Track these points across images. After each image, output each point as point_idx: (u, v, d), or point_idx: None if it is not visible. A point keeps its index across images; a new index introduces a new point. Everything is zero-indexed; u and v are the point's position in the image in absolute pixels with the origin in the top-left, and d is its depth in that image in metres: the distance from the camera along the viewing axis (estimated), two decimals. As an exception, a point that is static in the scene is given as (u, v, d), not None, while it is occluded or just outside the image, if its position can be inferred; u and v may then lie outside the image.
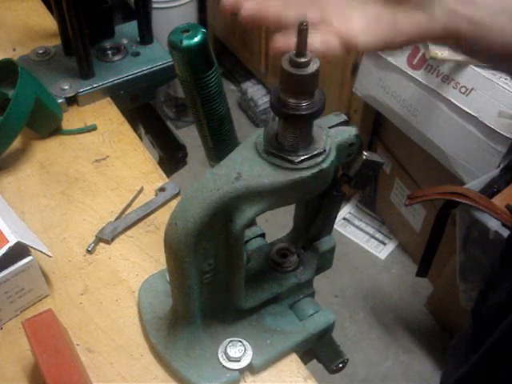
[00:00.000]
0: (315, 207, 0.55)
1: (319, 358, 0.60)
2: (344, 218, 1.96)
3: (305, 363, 0.59)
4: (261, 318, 0.58)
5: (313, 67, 0.41)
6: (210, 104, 0.53)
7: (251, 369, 0.56)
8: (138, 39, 0.89)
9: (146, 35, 0.88)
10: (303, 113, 0.43)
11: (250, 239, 0.63)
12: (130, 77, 0.85)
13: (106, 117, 0.82)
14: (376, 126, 1.75)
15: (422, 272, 1.29)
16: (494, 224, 1.03)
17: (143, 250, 0.67)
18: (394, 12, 0.50)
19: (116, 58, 0.87)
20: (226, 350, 0.55)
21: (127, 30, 0.91)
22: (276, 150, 0.46)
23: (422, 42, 0.53)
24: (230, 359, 0.55)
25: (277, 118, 0.45)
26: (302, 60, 0.41)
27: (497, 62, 0.55)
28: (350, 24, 0.49)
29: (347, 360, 0.59)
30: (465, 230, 1.09)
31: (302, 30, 0.40)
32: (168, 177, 0.77)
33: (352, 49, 0.49)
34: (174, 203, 0.72)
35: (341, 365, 0.59)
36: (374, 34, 0.50)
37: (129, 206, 0.71)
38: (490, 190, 1.12)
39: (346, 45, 0.48)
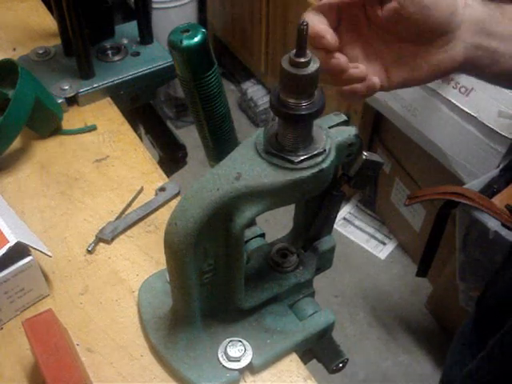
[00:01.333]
0: (315, 207, 0.55)
1: (319, 357, 0.60)
2: (344, 218, 1.96)
3: (305, 363, 0.59)
4: (261, 317, 0.58)
5: (312, 67, 0.41)
6: (209, 104, 0.53)
7: (251, 369, 0.56)
8: (138, 39, 0.89)
9: (146, 35, 0.88)
10: (303, 113, 0.43)
11: (250, 239, 0.63)
12: (129, 77, 0.85)
13: (106, 117, 0.82)
14: (376, 126, 1.75)
15: (421, 272, 1.29)
16: (493, 224, 1.03)
17: (143, 250, 0.67)
18: (415, 53, 0.53)
19: (116, 58, 0.87)
20: (225, 350, 0.55)
21: (127, 30, 0.91)
22: (276, 150, 0.46)
23: (440, 78, 0.56)
24: (229, 359, 0.55)
25: (277, 118, 0.45)
26: (302, 60, 0.41)
27: (501, 81, 0.58)
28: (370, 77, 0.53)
29: (347, 360, 0.59)
30: (465, 230, 1.09)
31: (302, 30, 0.40)
32: (168, 177, 0.77)
33: (375, 92, 0.53)
34: (174, 203, 0.72)
35: (341, 365, 0.59)
36: (395, 77, 0.54)
37: (129, 206, 0.71)
38: (490, 190, 1.12)
39: (369, 90, 0.52)
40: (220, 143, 0.57)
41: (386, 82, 0.54)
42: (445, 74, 0.54)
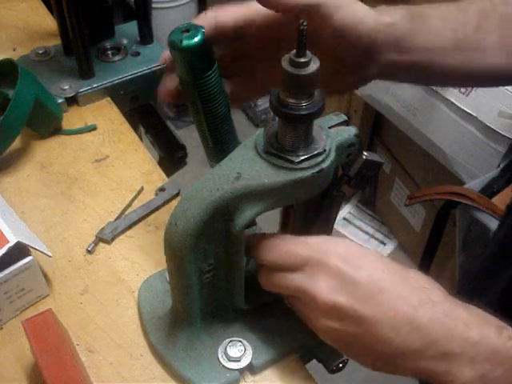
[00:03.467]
0: (315, 207, 0.55)
1: (319, 357, 0.60)
2: (344, 218, 1.96)
3: (304, 363, 0.59)
4: (261, 317, 0.58)
5: (313, 67, 0.41)
6: (209, 104, 0.53)
7: (251, 369, 0.56)
8: (138, 39, 0.89)
9: (146, 35, 0.88)
10: (303, 113, 0.43)
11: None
12: (129, 77, 0.85)
13: (106, 117, 0.82)
14: (376, 126, 1.75)
15: (422, 272, 1.29)
16: (493, 224, 1.03)
17: (143, 250, 0.67)
18: (329, 71, 0.50)
19: (116, 58, 0.87)
20: (225, 350, 0.55)
21: (127, 29, 0.91)
22: (276, 150, 0.46)
23: (348, 91, 0.57)
24: (230, 359, 0.55)
25: (277, 118, 0.45)
26: (302, 60, 0.41)
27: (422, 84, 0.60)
28: None
29: (347, 360, 0.58)
30: (465, 230, 1.09)
31: (302, 30, 0.40)
32: (168, 177, 0.77)
33: None
34: (174, 203, 0.72)
35: (341, 364, 0.59)
36: None
37: (129, 206, 0.71)
38: (490, 190, 1.12)
39: None
40: (220, 143, 0.57)
41: None
42: (354, 88, 0.56)
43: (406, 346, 0.43)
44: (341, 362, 0.59)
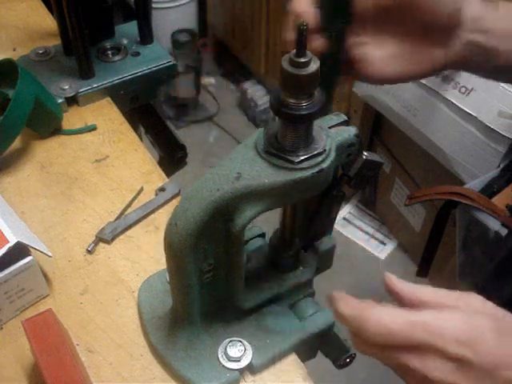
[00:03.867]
0: (315, 207, 0.55)
1: (325, 353, 0.60)
2: (344, 218, 1.96)
3: (307, 359, 0.58)
4: (261, 317, 0.58)
5: (313, 67, 0.41)
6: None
7: (251, 369, 0.56)
8: (138, 39, 0.89)
9: (146, 35, 0.88)
10: (303, 113, 0.43)
11: (250, 239, 0.63)
12: (129, 77, 0.85)
13: (106, 117, 0.82)
14: (376, 126, 1.75)
15: (421, 272, 1.29)
16: (493, 224, 1.03)
17: (143, 250, 0.67)
18: (411, 48, 0.54)
19: (116, 58, 0.87)
20: (226, 349, 0.55)
21: (127, 29, 0.91)
22: (276, 150, 0.46)
23: (436, 74, 0.57)
24: (230, 359, 0.55)
25: (277, 118, 0.45)
26: (302, 60, 0.41)
27: (498, 77, 0.60)
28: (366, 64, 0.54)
29: (355, 355, 0.58)
30: (465, 230, 1.09)
31: (302, 30, 0.40)
32: (168, 177, 0.77)
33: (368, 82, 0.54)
34: (174, 203, 0.72)
35: (348, 360, 0.59)
36: (391, 68, 0.54)
37: (129, 206, 0.71)
38: (490, 190, 1.11)
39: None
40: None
41: (381, 73, 0.54)
42: (439, 70, 0.55)
43: None
44: (348, 357, 0.59)
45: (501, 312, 0.45)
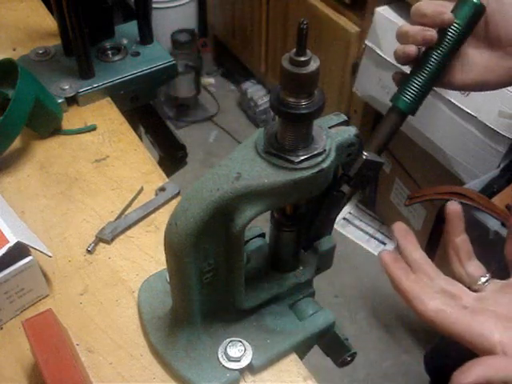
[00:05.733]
0: (315, 207, 0.55)
1: (326, 352, 0.60)
2: (344, 218, 1.96)
3: (302, 357, 0.58)
4: (261, 317, 0.58)
5: (313, 66, 0.41)
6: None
7: (251, 369, 0.56)
8: (138, 39, 0.89)
9: (146, 35, 0.88)
10: (303, 112, 0.43)
11: (250, 239, 0.63)
12: (129, 77, 0.85)
13: (106, 117, 0.82)
14: (376, 126, 1.75)
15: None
16: (493, 224, 1.03)
17: (143, 250, 0.67)
18: (489, 56, 0.58)
19: (116, 58, 0.87)
20: (226, 350, 0.55)
21: (127, 29, 0.91)
22: (276, 150, 0.46)
23: (509, 86, 0.60)
24: (230, 359, 0.55)
25: (277, 118, 0.45)
26: (302, 59, 0.41)
27: None
28: None
29: (355, 353, 0.58)
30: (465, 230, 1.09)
31: (302, 29, 0.40)
32: (168, 177, 0.77)
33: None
34: (174, 203, 0.72)
35: (349, 358, 0.59)
36: (468, 75, 0.59)
37: (129, 206, 0.71)
38: (490, 190, 1.12)
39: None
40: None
41: (457, 80, 0.59)
42: None
43: None
44: (349, 356, 0.59)
45: None
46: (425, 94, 0.59)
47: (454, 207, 0.53)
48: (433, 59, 0.58)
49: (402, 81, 0.60)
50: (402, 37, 0.58)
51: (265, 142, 0.46)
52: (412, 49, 0.57)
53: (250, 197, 0.45)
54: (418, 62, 0.59)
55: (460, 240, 0.54)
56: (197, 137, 2.24)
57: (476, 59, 0.59)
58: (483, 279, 0.51)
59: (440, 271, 0.52)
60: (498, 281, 0.51)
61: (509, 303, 0.48)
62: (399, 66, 0.61)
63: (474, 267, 0.52)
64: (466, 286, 0.50)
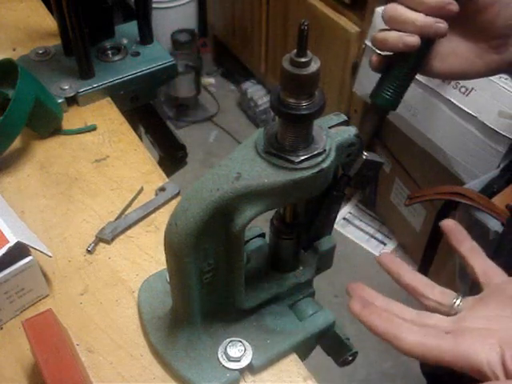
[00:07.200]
0: (315, 207, 0.55)
1: (327, 351, 0.60)
2: (344, 218, 1.96)
3: (303, 358, 0.58)
4: (261, 317, 0.58)
5: (313, 67, 0.41)
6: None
7: (251, 369, 0.56)
8: (138, 39, 0.89)
9: (146, 35, 0.88)
10: (303, 112, 0.43)
11: (250, 239, 0.63)
12: (129, 77, 0.85)
13: (106, 117, 0.82)
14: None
15: (421, 272, 1.29)
16: (493, 224, 1.03)
17: (143, 250, 0.67)
18: (471, 48, 0.56)
19: (116, 58, 0.87)
20: (226, 349, 0.55)
21: (127, 29, 0.91)
22: (276, 150, 0.46)
23: (488, 76, 0.59)
24: (230, 359, 0.55)
25: (277, 118, 0.45)
26: (303, 60, 0.41)
27: None
28: None
29: (356, 353, 0.58)
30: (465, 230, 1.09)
31: (303, 30, 0.40)
32: (168, 177, 0.77)
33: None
34: (174, 203, 0.72)
35: (350, 358, 0.59)
36: (447, 64, 0.57)
37: (129, 206, 0.71)
38: (490, 190, 1.11)
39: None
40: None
41: (434, 68, 0.57)
42: (493, 73, 0.58)
43: None
44: (350, 355, 0.59)
45: None
46: (404, 90, 0.58)
47: (447, 223, 0.53)
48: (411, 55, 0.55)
49: (383, 71, 0.58)
50: (380, 43, 0.55)
51: (265, 142, 0.46)
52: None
53: (250, 197, 0.45)
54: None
55: (470, 247, 0.55)
56: (197, 137, 2.24)
57: (457, 50, 0.57)
58: (457, 301, 0.50)
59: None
60: (470, 297, 0.50)
61: (486, 317, 0.47)
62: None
63: (441, 294, 0.51)
64: (444, 315, 0.49)
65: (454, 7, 0.52)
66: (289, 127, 0.45)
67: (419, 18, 0.53)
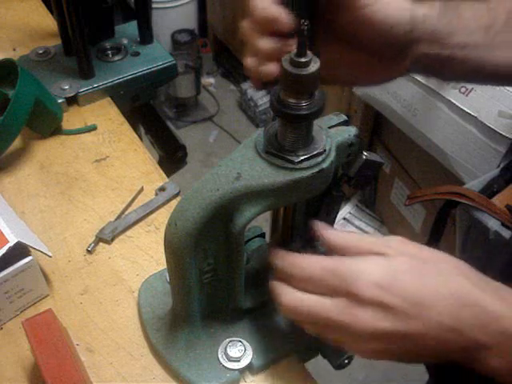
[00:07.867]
0: (315, 207, 0.55)
1: (324, 354, 0.60)
2: (344, 218, 1.96)
3: (305, 361, 0.58)
4: (261, 317, 0.58)
5: (313, 67, 0.41)
6: None
7: (251, 369, 0.56)
8: (138, 39, 0.89)
9: (146, 35, 0.89)
10: (303, 112, 0.43)
11: (250, 239, 0.63)
12: (129, 77, 0.85)
13: (106, 117, 0.82)
14: (376, 126, 1.75)
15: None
16: (493, 224, 1.03)
17: (143, 250, 0.67)
18: (367, 60, 0.52)
19: (116, 58, 0.87)
20: (225, 350, 0.55)
21: (127, 30, 0.91)
22: (276, 150, 0.46)
23: (385, 83, 0.56)
24: (229, 359, 0.55)
25: (277, 118, 0.45)
26: (303, 60, 0.41)
27: (458, 81, 0.60)
28: None
29: (353, 356, 0.58)
30: (465, 230, 1.09)
31: (303, 30, 0.40)
32: (168, 177, 0.77)
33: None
34: (174, 203, 0.72)
35: (346, 361, 0.59)
36: (331, 74, 0.52)
37: (129, 205, 0.71)
38: (490, 190, 1.11)
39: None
40: None
41: (332, 78, 0.54)
42: (391, 80, 0.55)
43: (447, 351, 0.43)
44: (346, 358, 0.59)
45: (425, 251, 0.45)
46: None
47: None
48: None
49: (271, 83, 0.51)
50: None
51: (265, 142, 0.46)
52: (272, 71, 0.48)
53: (249, 197, 0.45)
54: None
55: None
56: (197, 137, 2.24)
57: (351, 58, 0.53)
58: None
59: None
60: None
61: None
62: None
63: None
64: None
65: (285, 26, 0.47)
66: (289, 127, 0.45)
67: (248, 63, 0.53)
